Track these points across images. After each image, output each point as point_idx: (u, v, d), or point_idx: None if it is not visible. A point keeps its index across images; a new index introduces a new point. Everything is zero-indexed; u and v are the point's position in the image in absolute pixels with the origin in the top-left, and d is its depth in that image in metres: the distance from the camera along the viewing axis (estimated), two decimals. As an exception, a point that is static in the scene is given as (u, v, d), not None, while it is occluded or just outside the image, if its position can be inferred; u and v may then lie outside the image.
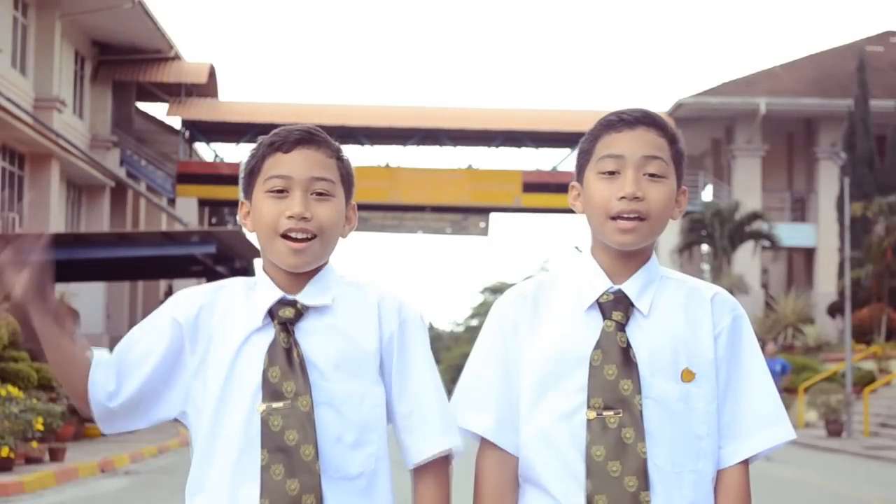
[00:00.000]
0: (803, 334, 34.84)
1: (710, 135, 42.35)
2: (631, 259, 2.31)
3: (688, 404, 2.24)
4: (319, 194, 2.30)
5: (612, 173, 2.28)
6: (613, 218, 2.27)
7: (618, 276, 2.31)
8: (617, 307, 2.28)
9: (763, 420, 2.29)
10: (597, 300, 2.29)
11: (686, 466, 2.23)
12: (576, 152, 2.42)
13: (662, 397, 2.23)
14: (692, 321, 2.28)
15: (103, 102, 34.72)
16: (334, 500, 2.21)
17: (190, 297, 2.35)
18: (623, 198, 2.26)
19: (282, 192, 2.29)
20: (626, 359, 2.23)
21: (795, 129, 41.46)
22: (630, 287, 2.29)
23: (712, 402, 2.26)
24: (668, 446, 2.22)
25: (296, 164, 2.30)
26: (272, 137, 2.34)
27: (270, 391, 2.23)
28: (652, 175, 2.27)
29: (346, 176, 2.38)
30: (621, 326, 2.26)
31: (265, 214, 2.29)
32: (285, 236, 2.28)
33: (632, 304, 2.28)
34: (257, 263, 2.45)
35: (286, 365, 2.24)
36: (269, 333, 2.28)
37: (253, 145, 2.39)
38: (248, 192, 2.35)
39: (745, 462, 2.29)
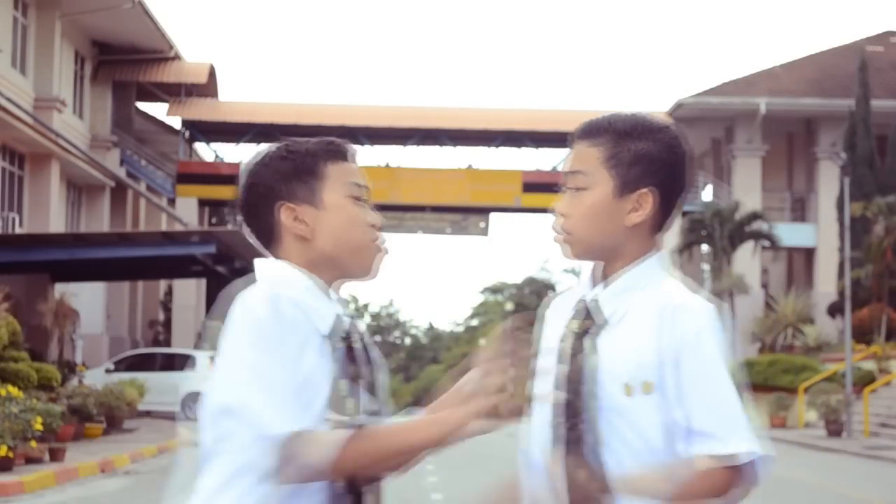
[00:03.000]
0: (803, 334, 34.83)
1: (710, 135, 42.33)
2: (609, 266, 2.30)
3: (639, 416, 2.20)
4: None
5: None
6: None
7: (604, 283, 2.31)
8: (578, 316, 2.29)
9: (708, 431, 2.17)
10: (575, 307, 2.31)
11: None
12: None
13: (616, 409, 2.21)
14: (650, 333, 2.23)
15: (103, 102, 34.74)
16: None
17: (296, 304, 2.13)
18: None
19: (363, 200, 2.27)
20: (572, 369, 2.25)
21: (795, 129, 41.46)
22: (603, 295, 2.28)
23: (667, 415, 2.20)
24: (624, 456, 2.20)
25: (363, 174, 2.29)
26: (329, 145, 2.27)
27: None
28: (574, 189, 2.27)
29: None
30: (579, 336, 2.26)
31: (364, 223, 2.25)
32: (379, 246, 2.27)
33: (597, 313, 2.27)
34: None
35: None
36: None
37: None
38: (298, 196, 2.22)
39: (715, 463, 2.15)
